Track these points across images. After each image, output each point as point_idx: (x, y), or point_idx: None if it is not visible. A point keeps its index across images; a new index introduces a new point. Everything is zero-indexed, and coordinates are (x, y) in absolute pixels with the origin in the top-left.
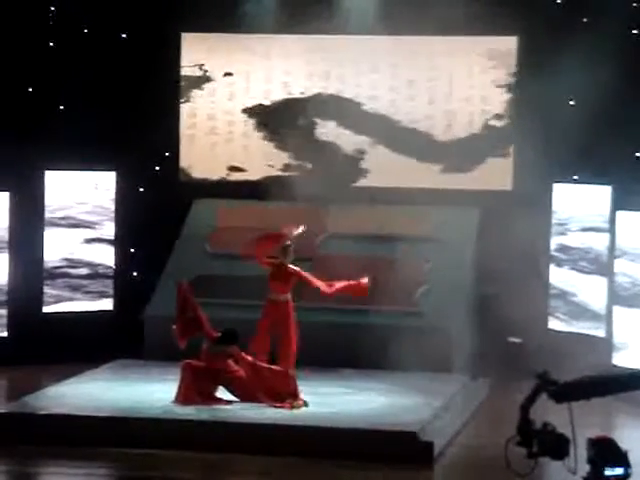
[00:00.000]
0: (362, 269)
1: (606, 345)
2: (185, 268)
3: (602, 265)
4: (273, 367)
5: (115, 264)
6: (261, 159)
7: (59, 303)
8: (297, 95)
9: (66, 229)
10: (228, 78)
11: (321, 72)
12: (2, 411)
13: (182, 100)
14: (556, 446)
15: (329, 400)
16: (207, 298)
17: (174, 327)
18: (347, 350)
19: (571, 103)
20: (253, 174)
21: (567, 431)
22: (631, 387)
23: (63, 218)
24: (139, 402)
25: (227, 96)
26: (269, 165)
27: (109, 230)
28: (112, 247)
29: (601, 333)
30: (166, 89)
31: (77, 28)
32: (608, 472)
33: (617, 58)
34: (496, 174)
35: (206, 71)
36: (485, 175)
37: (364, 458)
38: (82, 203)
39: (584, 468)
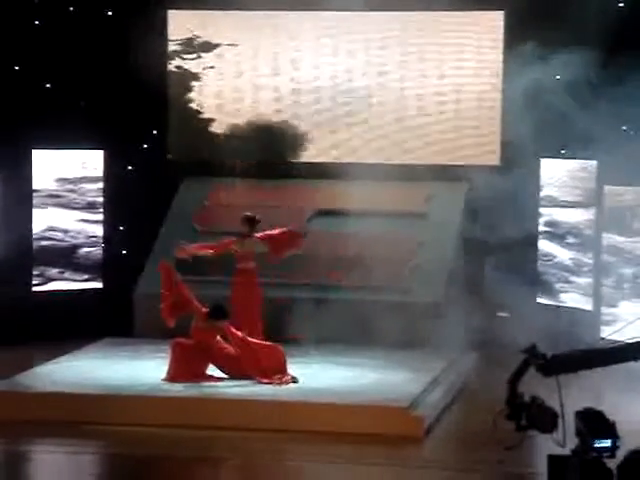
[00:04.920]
0: (350, 245)
1: (594, 318)
2: (174, 246)
3: (589, 239)
4: (263, 342)
5: (104, 242)
6: (250, 137)
7: (48, 282)
8: (282, 73)
9: (54, 208)
10: (216, 55)
11: (302, 48)
12: None
13: (169, 78)
14: (544, 419)
15: (319, 376)
16: (196, 276)
17: (161, 306)
18: (336, 326)
19: (557, 78)
20: (242, 153)
21: (555, 404)
22: (618, 360)
23: (51, 197)
24: (129, 380)
25: (215, 73)
26: (257, 143)
27: (98, 209)
28: (101, 226)
29: (588, 307)
30: (153, 66)
31: (62, 5)
32: (596, 444)
33: (604, 32)
34: (484, 149)
35: (193, 48)
36: (473, 150)
37: (354, 433)
38: (70, 182)
39: (573, 441)
